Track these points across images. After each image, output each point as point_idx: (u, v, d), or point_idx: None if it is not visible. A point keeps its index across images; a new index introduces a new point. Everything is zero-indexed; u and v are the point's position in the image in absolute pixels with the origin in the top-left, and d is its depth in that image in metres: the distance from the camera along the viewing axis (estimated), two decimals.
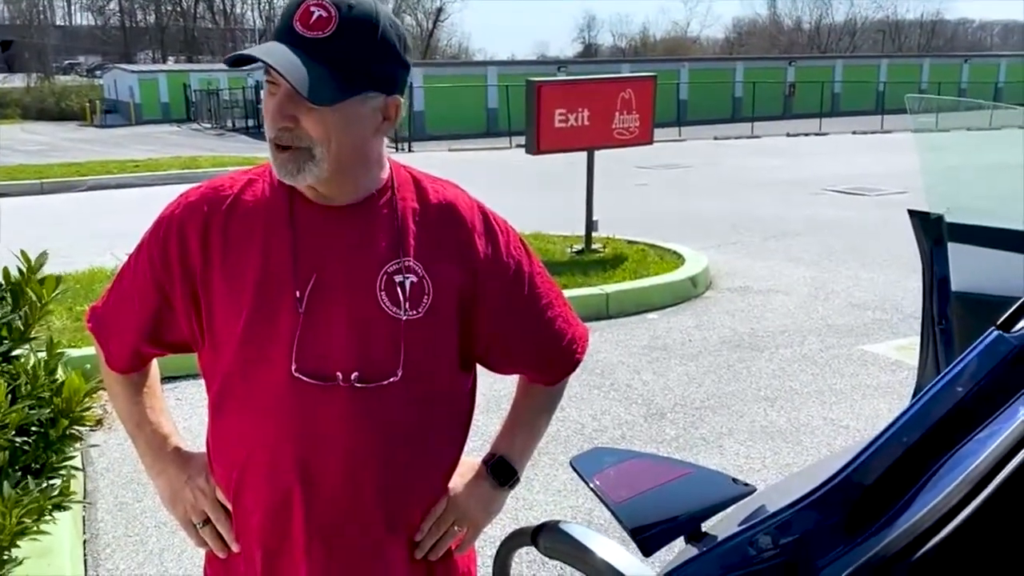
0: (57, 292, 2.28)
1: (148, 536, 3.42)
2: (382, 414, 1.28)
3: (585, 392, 4.83)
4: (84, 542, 3.39)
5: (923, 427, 0.86)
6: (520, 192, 12.69)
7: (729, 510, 1.13)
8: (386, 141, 1.34)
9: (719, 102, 36.31)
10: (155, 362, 1.50)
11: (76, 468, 2.86)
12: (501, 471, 1.45)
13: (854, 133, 26.48)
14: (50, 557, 2.92)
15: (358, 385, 1.26)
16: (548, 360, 1.48)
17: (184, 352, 1.41)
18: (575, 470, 1.24)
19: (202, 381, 1.40)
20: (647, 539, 1.04)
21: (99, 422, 4.32)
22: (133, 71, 44.32)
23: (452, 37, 77.66)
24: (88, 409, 2.30)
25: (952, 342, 2.28)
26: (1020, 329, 0.91)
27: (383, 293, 1.28)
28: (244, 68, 1.27)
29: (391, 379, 1.27)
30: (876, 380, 5.05)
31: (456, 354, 1.36)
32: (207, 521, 1.39)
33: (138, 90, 41.38)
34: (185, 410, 4.40)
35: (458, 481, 1.42)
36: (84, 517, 3.57)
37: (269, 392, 1.27)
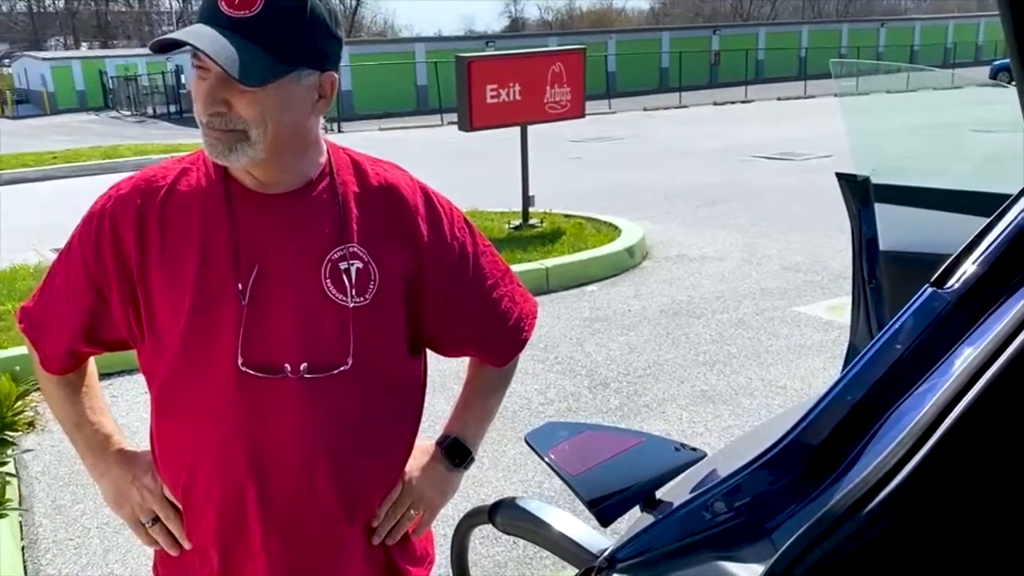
0: None
1: (90, 538, 3.33)
2: (334, 404, 1.26)
3: (530, 366, 4.86)
4: (22, 548, 3.29)
5: (866, 385, 0.88)
6: (455, 169, 12.62)
7: (680, 476, 1.15)
8: (321, 121, 1.31)
9: (647, 73, 36.63)
10: (92, 361, 1.45)
11: (10, 474, 2.77)
12: (455, 452, 1.45)
13: (779, 99, 27.02)
14: None
15: (307, 376, 1.24)
16: (495, 341, 1.47)
17: (121, 350, 1.37)
18: (530, 446, 1.25)
19: (138, 376, 1.36)
20: (604, 509, 1.06)
21: (31, 425, 4.19)
22: (44, 59, 42.55)
23: (376, 14, 76.72)
24: (20, 413, 2.23)
25: (882, 300, 2.35)
26: (952, 285, 0.94)
27: (328, 280, 1.25)
28: (171, 53, 1.22)
29: (341, 368, 1.25)
30: (810, 340, 5.20)
31: (405, 339, 1.34)
32: (156, 520, 1.36)
33: (51, 78, 39.78)
34: (122, 407, 4.29)
35: (412, 464, 1.41)
36: (21, 523, 3.46)
37: (215, 388, 1.24)
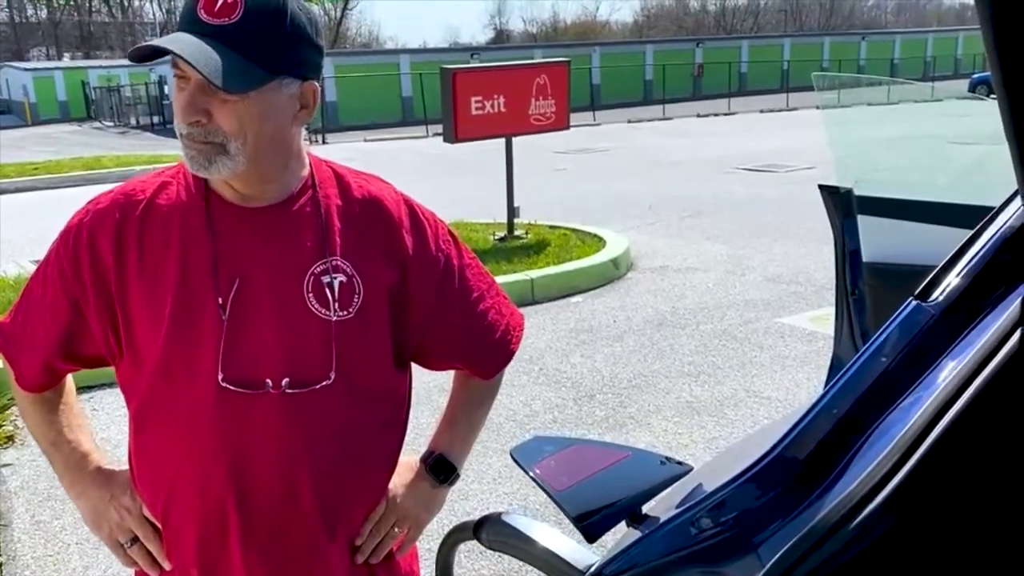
0: None
1: (70, 555, 3.28)
2: (316, 419, 1.25)
3: (515, 378, 4.84)
4: (1, 565, 3.24)
5: (852, 398, 0.88)
6: (440, 181, 12.63)
7: (667, 491, 1.14)
8: (304, 133, 1.30)
9: (631, 85, 36.87)
10: (70, 377, 1.42)
11: None
12: (440, 469, 1.43)
13: (761, 112, 27.21)
14: None
15: (289, 391, 1.22)
16: (482, 353, 1.45)
17: (99, 366, 1.35)
18: (515, 460, 1.23)
19: (119, 390, 1.33)
20: (590, 525, 1.05)
21: (10, 439, 4.13)
22: (26, 69, 42.35)
23: (362, 25, 76.74)
24: None
25: (865, 311, 2.36)
26: (936, 297, 0.94)
27: (311, 295, 1.23)
28: (151, 62, 1.20)
29: (324, 383, 1.23)
30: (794, 351, 5.21)
31: (390, 353, 1.32)
32: (135, 540, 1.33)
33: (33, 89, 39.58)
34: (103, 420, 4.24)
35: (397, 482, 1.39)
36: None
37: (196, 404, 1.22)
